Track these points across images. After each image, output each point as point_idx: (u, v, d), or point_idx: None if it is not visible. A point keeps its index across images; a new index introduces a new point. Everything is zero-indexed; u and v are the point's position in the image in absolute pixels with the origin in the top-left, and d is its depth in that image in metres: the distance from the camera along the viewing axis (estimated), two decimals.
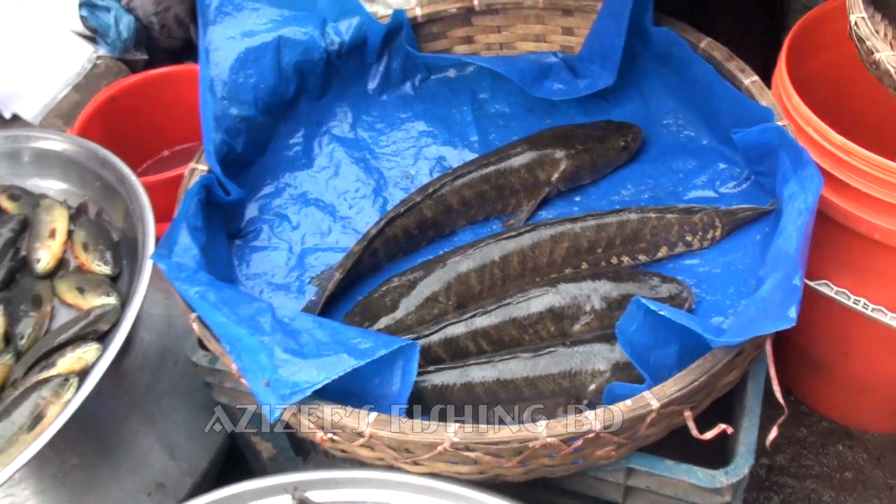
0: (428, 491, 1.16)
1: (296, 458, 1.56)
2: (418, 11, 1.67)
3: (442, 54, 1.74)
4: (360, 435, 1.09)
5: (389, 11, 1.67)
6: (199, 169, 1.48)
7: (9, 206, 1.70)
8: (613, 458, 1.14)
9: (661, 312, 1.04)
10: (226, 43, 1.57)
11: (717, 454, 1.24)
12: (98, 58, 2.26)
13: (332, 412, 1.10)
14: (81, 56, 2.26)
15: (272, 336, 1.14)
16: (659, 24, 1.53)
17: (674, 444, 1.18)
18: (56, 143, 1.67)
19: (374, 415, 1.09)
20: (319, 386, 1.09)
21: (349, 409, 1.10)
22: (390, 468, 1.18)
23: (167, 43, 2.39)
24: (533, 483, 1.20)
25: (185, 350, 1.44)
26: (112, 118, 2.12)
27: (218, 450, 1.60)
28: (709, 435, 1.11)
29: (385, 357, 1.14)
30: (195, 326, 1.25)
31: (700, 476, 1.15)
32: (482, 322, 1.29)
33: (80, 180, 1.68)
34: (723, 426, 1.11)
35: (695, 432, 1.11)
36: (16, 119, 2.25)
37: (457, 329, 1.29)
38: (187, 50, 2.44)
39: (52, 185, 1.70)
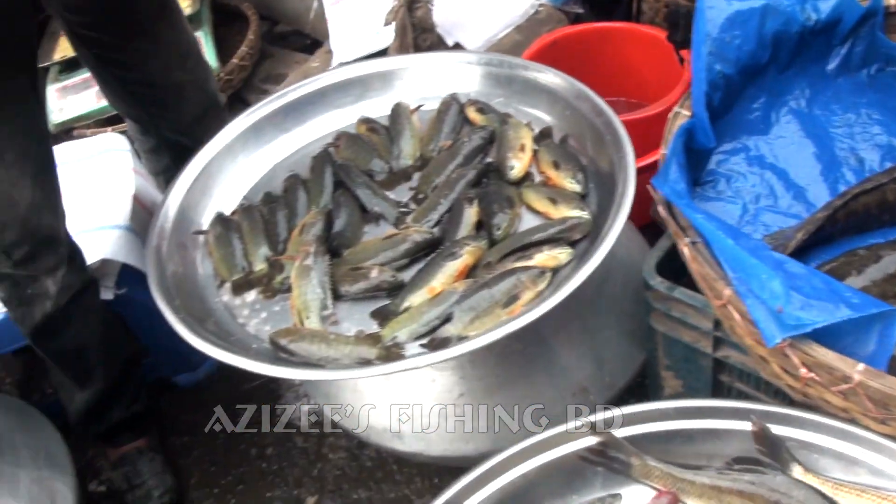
0: (883, 449, 1.20)
1: None
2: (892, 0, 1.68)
3: None
4: (847, 380, 1.16)
5: None
6: (682, 113, 1.58)
7: (477, 118, 1.89)
8: None
9: None
10: (718, 2, 1.65)
11: None
12: (540, 5, 2.43)
13: (823, 353, 1.17)
14: (525, 1, 2.43)
15: (778, 270, 1.22)
16: None
17: None
18: (544, 75, 1.83)
19: (863, 364, 1.15)
20: (819, 326, 1.16)
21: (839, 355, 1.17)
22: (850, 422, 1.23)
23: None
24: None
25: (635, 274, 1.56)
26: (550, 61, 2.27)
27: (635, 372, 1.72)
28: None
29: (867, 317, 1.19)
30: (686, 251, 1.36)
31: None
32: None
33: (553, 109, 1.83)
34: None
35: None
36: (457, 47, 2.47)
37: None
38: (616, 4, 2.55)
39: (534, 113, 1.86)
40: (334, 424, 2.00)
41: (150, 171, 2.25)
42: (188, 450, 2.20)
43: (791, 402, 1.33)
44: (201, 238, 1.79)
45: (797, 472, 1.22)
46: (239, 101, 2.94)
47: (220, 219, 1.81)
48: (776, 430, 1.26)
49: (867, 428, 1.21)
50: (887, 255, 1.44)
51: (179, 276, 1.69)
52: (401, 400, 1.72)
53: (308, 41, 3.24)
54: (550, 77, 1.82)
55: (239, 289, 1.69)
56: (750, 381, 1.53)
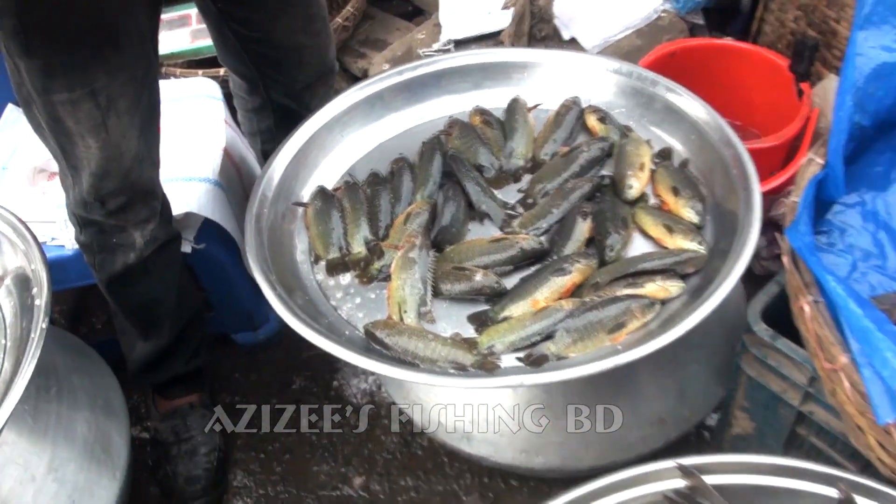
0: None
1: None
2: None
3: None
4: None
5: None
6: (816, 161, 1.58)
7: (597, 126, 1.89)
8: None
9: None
10: (869, 51, 1.64)
11: None
12: (664, 11, 2.42)
13: None
14: (649, 6, 2.42)
15: None
16: None
17: None
18: (677, 95, 1.84)
19: None
20: None
21: None
22: None
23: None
24: None
25: (742, 317, 1.57)
26: (667, 72, 2.27)
27: (715, 404, 1.74)
28: None
29: None
30: (806, 308, 1.37)
31: None
32: None
33: (677, 130, 1.83)
34: None
35: None
36: (572, 42, 2.47)
37: None
38: (733, 18, 2.54)
39: (655, 131, 1.87)
40: (401, 414, 2.03)
41: (246, 131, 2.26)
42: (237, 411, 2.23)
43: (875, 474, 1.34)
44: (300, 210, 1.81)
45: None
46: None
47: (322, 193, 1.82)
48: (863, 501, 1.28)
49: None
50: None
51: (276, 248, 1.71)
52: (475, 403, 1.74)
53: (410, 7, 3.25)
54: (685, 99, 1.82)
55: (334, 269, 1.71)
56: (827, 438, 1.55)
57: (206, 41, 2.74)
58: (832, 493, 1.29)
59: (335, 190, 1.85)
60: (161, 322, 1.96)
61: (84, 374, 1.92)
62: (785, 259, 1.48)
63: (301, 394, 2.26)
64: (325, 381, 2.27)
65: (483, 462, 1.80)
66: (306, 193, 1.84)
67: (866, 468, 1.36)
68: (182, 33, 2.89)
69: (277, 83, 2.02)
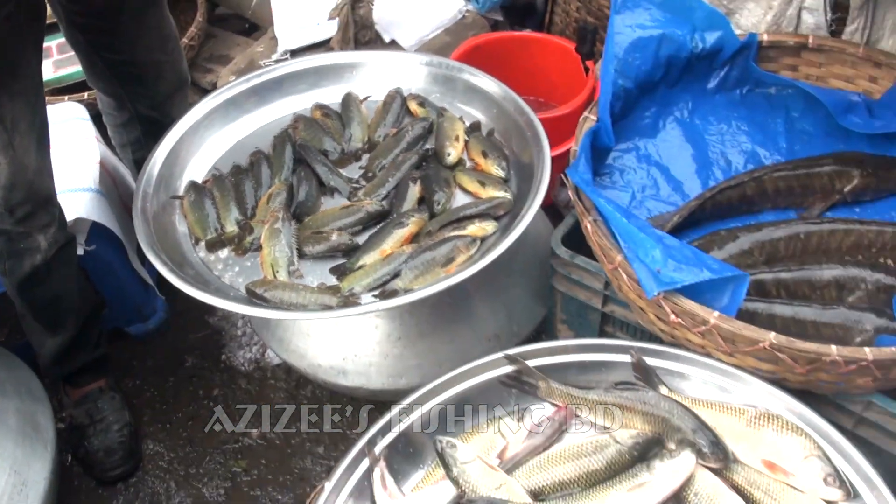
0: (728, 374, 1.69)
1: None
2: (765, 37, 2.18)
3: (772, 73, 2.23)
4: (705, 323, 1.64)
5: (738, 31, 2.18)
6: (590, 118, 2.05)
7: (418, 110, 2.32)
8: (865, 388, 1.64)
9: None
10: (625, 29, 2.12)
11: None
12: (467, 11, 2.87)
13: (688, 303, 1.65)
14: (454, 7, 2.88)
15: (659, 242, 1.69)
16: None
17: None
18: (477, 78, 2.30)
19: (717, 312, 1.64)
20: (686, 284, 1.64)
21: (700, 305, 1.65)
22: (706, 355, 1.72)
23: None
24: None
25: (541, 245, 2.02)
26: (475, 62, 2.71)
27: (536, 324, 2.19)
28: None
29: (723, 279, 1.68)
30: (588, 226, 1.82)
31: None
32: (785, 276, 1.82)
33: (482, 107, 2.29)
34: None
35: None
36: (392, 43, 2.90)
37: (766, 277, 1.82)
38: (530, 14, 3.02)
39: (466, 109, 2.33)
40: (286, 365, 2.41)
41: (117, 144, 2.59)
42: (140, 392, 2.56)
43: (661, 343, 1.81)
44: (178, 202, 2.17)
45: (663, 391, 1.70)
46: None
47: (194, 186, 2.19)
48: (650, 361, 1.74)
49: (718, 359, 1.70)
50: (743, 235, 1.93)
51: (161, 234, 2.06)
52: (346, 342, 2.14)
53: (247, 24, 3.62)
54: (483, 80, 2.27)
55: (213, 247, 2.08)
56: (628, 329, 2.01)
57: (68, 70, 3.07)
58: (628, 358, 1.74)
59: (205, 182, 2.21)
60: (66, 317, 2.27)
61: (7, 369, 2.24)
62: (570, 192, 1.93)
63: (194, 370, 2.60)
64: (214, 357, 2.62)
65: (358, 392, 2.19)
66: (181, 188, 2.19)
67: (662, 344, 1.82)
68: (46, 64, 3.18)
69: (142, 97, 2.37)
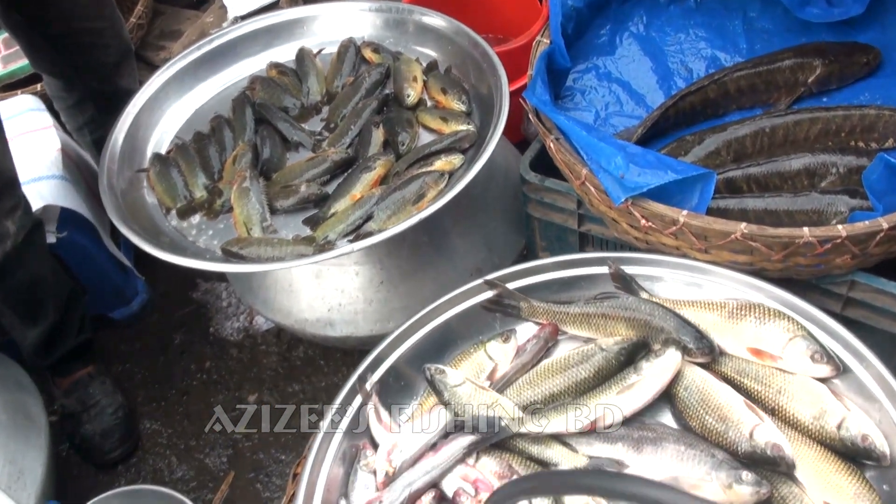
0: (705, 272, 1.74)
1: None
2: None
3: None
4: (675, 223, 1.69)
5: None
6: (543, 42, 2.08)
7: (373, 57, 2.36)
8: (845, 267, 1.69)
9: None
10: None
11: None
12: None
13: (656, 206, 1.70)
14: None
15: (620, 150, 1.74)
16: None
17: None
18: (429, 17, 2.34)
19: (686, 210, 1.69)
20: (652, 187, 1.68)
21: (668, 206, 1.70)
22: (681, 256, 1.77)
23: None
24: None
25: (512, 177, 2.06)
26: (429, 4, 2.74)
27: (517, 254, 2.24)
28: None
29: (691, 178, 1.72)
30: (552, 145, 1.87)
31: None
32: (754, 171, 1.87)
33: (437, 46, 2.32)
34: None
35: None
36: None
37: (735, 174, 1.87)
38: None
39: (421, 50, 2.37)
40: (275, 326, 2.46)
41: (73, 128, 2.63)
42: (131, 375, 2.61)
43: (638, 252, 1.86)
44: (144, 175, 2.21)
45: (643, 296, 1.75)
46: (138, 60, 3.30)
47: (158, 157, 2.23)
48: (627, 270, 1.79)
49: (694, 258, 1.75)
50: (708, 137, 1.97)
51: (131, 207, 2.10)
52: (330, 293, 2.18)
53: None
54: (434, 19, 2.31)
55: (184, 214, 2.12)
56: (608, 248, 2.06)
57: (17, 64, 3.11)
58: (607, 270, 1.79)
59: (168, 153, 2.25)
60: (44, 302, 2.30)
61: None
62: (530, 115, 1.97)
63: (184, 346, 2.65)
64: (202, 331, 2.67)
65: (349, 342, 2.23)
66: (145, 161, 2.23)
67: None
68: None
69: (89, 70, 2.42)
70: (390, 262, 2.14)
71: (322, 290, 2.16)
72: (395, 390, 1.72)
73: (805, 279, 1.77)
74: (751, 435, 1.46)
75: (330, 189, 2.07)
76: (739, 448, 1.47)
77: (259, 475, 2.30)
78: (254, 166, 2.12)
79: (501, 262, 2.23)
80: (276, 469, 2.29)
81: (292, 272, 2.15)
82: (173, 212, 2.13)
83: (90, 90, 2.46)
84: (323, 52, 2.41)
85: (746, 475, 1.40)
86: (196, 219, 2.11)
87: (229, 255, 1.95)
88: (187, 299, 2.75)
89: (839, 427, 1.46)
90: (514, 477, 1.51)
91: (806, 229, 1.61)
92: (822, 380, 1.56)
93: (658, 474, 1.45)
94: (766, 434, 1.46)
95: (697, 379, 1.59)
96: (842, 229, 1.60)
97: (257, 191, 2.04)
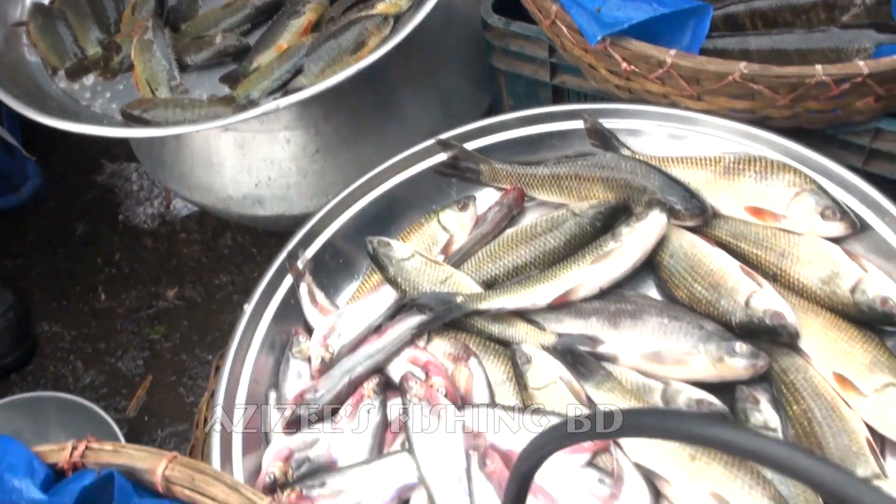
0: (697, 122, 1.69)
1: None
2: None
3: None
4: (661, 65, 1.62)
5: None
6: None
7: None
8: (868, 112, 1.64)
9: None
10: None
11: None
12: None
13: (639, 45, 1.63)
14: None
15: None
16: None
17: None
18: None
19: (674, 49, 1.62)
20: (634, 23, 1.62)
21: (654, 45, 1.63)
22: (670, 105, 1.71)
23: None
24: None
25: (474, 25, 1.98)
26: None
27: (482, 113, 2.18)
28: None
29: (682, 12, 1.66)
30: None
31: None
32: (760, 4, 1.79)
33: None
34: None
35: None
36: None
37: (737, 8, 1.80)
38: None
39: None
40: (197, 211, 2.39)
41: None
42: (24, 271, 2.54)
43: (619, 102, 1.80)
44: (23, 30, 2.10)
45: (625, 153, 1.70)
46: None
47: (39, 8, 2.12)
48: (607, 124, 1.74)
49: (686, 108, 1.70)
50: None
51: (10, 71, 2.00)
52: (257, 165, 2.12)
53: None
54: None
55: (75, 74, 2.02)
56: (586, 102, 2.00)
57: None
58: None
59: (52, 3, 2.14)
60: None
61: None
62: None
63: (87, 237, 2.58)
64: (109, 219, 2.59)
65: (282, 221, 2.17)
66: (21, 13, 2.13)
67: None
68: None
69: None
70: (327, 126, 2.06)
71: (248, 161, 2.09)
72: (332, 269, 1.68)
73: (819, 128, 1.71)
74: (747, 303, 1.43)
75: (251, 40, 1.99)
76: (734, 318, 1.44)
77: (182, 378, 2.26)
78: (158, 15, 2.03)
79: (459, 124, 2.18)
80: (201, 371, 2.24)
81: (211, 141, 2.06)
82: (61, 72, 2.03)
83: None
84: None
85: (740, 347, 1.37)
86: (90, 80, 2.02)
87: (131, 120, 1.87)
88: (90, 183, 2.67)
89: (854, 290, 1.42)
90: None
91: (819, 67, 1.55)
92: (835, 240, 1.52)
93: (637, 350, 1.42)
94: (764, 301, 1.42)
95: (686, 244, 1.55)
96: (863, 65, 1.54)
97: (162, 44, 1.95)
